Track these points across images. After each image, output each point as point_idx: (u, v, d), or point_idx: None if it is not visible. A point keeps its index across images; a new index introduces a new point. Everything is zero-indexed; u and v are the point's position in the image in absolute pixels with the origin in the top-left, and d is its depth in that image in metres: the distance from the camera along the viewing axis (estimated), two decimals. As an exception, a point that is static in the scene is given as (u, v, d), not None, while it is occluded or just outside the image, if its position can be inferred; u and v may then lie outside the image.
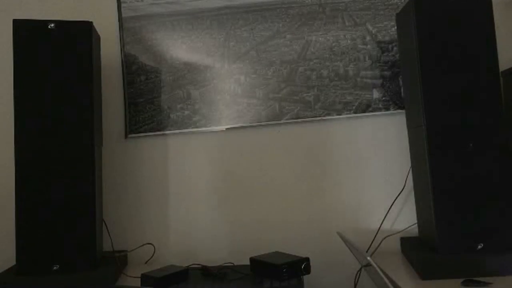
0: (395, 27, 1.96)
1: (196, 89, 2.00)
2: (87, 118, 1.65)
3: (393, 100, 1.95)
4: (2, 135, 1.99)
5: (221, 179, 1.99)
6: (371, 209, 1.94)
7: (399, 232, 1.91)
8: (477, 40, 1.57)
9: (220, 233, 1.97)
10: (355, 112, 1.96)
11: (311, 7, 2.00)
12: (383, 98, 1.96)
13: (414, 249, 1.66)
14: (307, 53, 1.99)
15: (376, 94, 1.96)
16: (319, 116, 1.97)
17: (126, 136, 2.00)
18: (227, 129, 1.99)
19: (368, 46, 1.98)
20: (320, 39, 1.99)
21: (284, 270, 1.54)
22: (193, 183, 1.99)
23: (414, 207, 1.81)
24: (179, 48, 2.01)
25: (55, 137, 1.62)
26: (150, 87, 2.00)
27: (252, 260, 1.66)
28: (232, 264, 1.83)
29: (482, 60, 1.56)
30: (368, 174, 1.95)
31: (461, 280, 1.43)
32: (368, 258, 1.15)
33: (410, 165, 1.82)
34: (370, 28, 1.98)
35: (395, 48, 1.96)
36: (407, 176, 1.89)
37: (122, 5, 2.02)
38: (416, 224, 1.82)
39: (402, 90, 1.94)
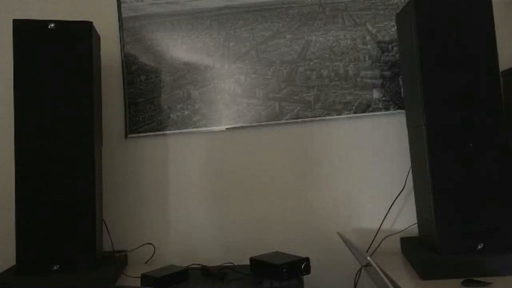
0: (395, 27, 1.96)
1: (196, 89, 2.00)
2: (87, 118, 1.65)
3: (393, 100, 1.95)
4: (2, 135, 1.99)
5: (221, 179, 1.99)
6: (371, 209, 1.94)
7: (399, 232, 1.91)
8: (477, 40, 1.57)
9: (220, 233, 1.97)
10: (355, 112, 1.96)
11: (311, 7, 2.00)
12: (383, 98, 1.96)
13: (414, 249, 1.66)
14: (307, 53, 1.99)
15: (376, 94, 1.96)
16: (319, 116, 1.97)
17: (126, 136, 2.00)
18: (227, 129, 1.99)
19: (368, 46, 1.98)
20: (320, 39, 1.99)
21: (284, 270, 1.54)
22: (193, 183, 1.99)
23: (414, 207, 1.81)
24: (179, 48, 2.01)
25: (55, 137, 1.62)
26: (150, 87, 2.00)
27: (252, 260, 1.66)
28: (232, 264, 1.83)
29: (482, 60, 1.56)
30: (368, 174, 1.95)
31: (461, 280, 1.43)
32: (368, 258, 1.15)
33: (410, 165, 1.82)
34: (370, 28, 1.98)
35: (395, 48, 1.96)
36: (407, 176, 1.89)
37: (122, 5, 2.02)
38: (416, 224, 1.82)
39: (402, 90, 1.94)
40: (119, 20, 2.02)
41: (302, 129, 1.98)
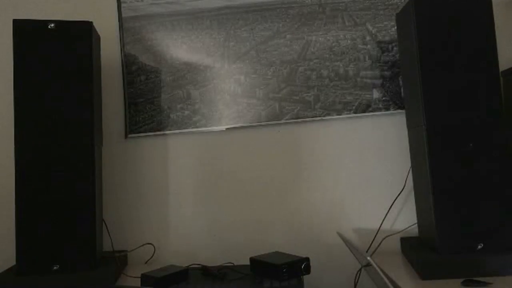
0: (395, 27, 1.96)
1: (196, 89, 2.00)
2: (87, 118, 1.65)
3: (393, 100, 1.95)
4: (2, 135, 1.99)
5: (221, 179, 1.99)
6: (371, 209, 1.94)
7: (399, 232, 1.91)
8: (477, 40, 1.57)
9: (220, 233, 1.97)
10: (355, 112, 1.96)
11: (311, 7, 2.00)
12: (383, 98, 1.96)
13: (414, 249, 1.66)
14: (307, 53, 1.99)
15: (376, 94, 1.96)
16: (319, 116, 1.97)
17: (126, 136, 2.00)
18: (227, 129, 1.99)
19: (368, 46, 1.98)
20: (320, 39, 1.99)
21: (284, 270, 1.54)
22: (193, 183, 1.99)
23: (414, 207, 1.81)
24: (179, 48, 2.01)
25: (55, 137, 1.62)
26: (150, 87, 2.00)
27: (252, 260, 1.66)
28: (232, 264, 1.83)
29: (482, 60, 1.56)
30: (368, 174, 1.95)
31: (461, 280, 1.43)
32: (368, 258, 1.15)
33: (410, 165, 1.82)
34: (370, 28, 1.98)
35: (395, 48, 1.96)
36: (407, 176, 1.89)
37: (122, 5, 2.02)
38: (416, 224, 1.82)
39: (402, 90, 1.94)
40: (119, 20, 2.02)
41: (302, 129, 1.98)
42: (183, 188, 1.99)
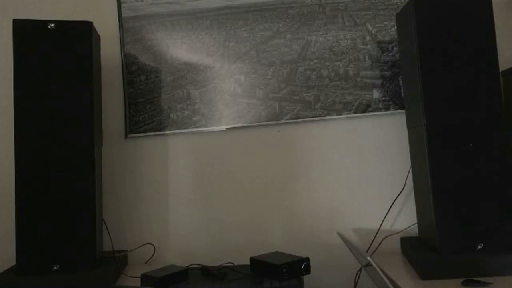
0: (395, 27, 1.96)
1: (196, 89, 2.00)
2: (87, 118, 1.65)
3: (393, 100, 1.95)
4: (2, 135, 1.99)
5: (221, 179, 1.99)
6: (371, 209, 1.94)
7: (399, 232, 1.91)
8: (477, 40, 1.57)
9: (220, 233, 1.97)
10: (355, 112, 1.96)
11: (311, 7, 2.00)
12: (383, 98, 1.96)
13: (414, 249, 1.66)
14: (307, 53, 1.99)
15: (376, 94, 1.96)
16: (319, 116, 1.97)
17: (126, 136, 2.00)
18: (227, 129, 1.99)
19: (368, 46, 1.98)
20: (320, 39, 1.99)
21: (284, 270, 1.54)
22: (193, 183, 1.99)
23: (414, 207, 1.81)
24: (179, 48, 2.01)
25: (55, 137, 1.62)
26: (150, 87, 2.00)
27: (252, 260, 1.66)
28: (232, 264, 1.83)
29: (482, 60, 1.56)
30: (368, 174, 1.95)
31: (461, 280, 1.43)
32: (368, 258, 1.15)
33: (410, 165, 1.82)
34: (370, 28, 1.98)
35: (395, 48, 1.96)
36: (407, 176, 1.89)
37: (122, 5, 2.02)
38: (416, 224, 1.82)
39: (402, 90, 1.94)
40: (119, 20, 2.02)
41: (302, 129, 1.98)
42: (183, 188, 1.99)
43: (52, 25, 1.65)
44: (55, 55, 1.64)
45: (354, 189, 1.95)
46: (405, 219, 1.92)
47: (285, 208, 1.97)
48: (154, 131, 1.99)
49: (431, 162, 1.55)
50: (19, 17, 1.99)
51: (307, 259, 1.59)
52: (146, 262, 1.94)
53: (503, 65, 1.81)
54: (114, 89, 2.01)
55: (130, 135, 1.99)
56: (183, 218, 1.98)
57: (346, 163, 1.96)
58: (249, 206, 1.98)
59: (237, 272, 1.69)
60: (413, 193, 1.84)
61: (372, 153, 1.96)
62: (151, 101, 2.00)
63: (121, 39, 2.01)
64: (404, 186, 1.90)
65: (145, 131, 1.99)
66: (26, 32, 1.63)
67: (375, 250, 1.87)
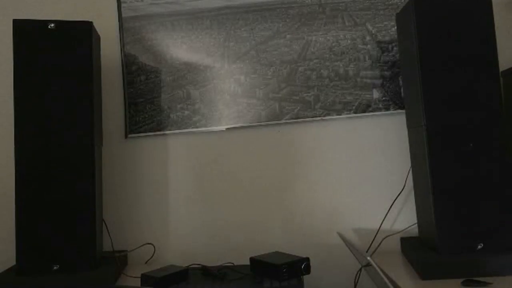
0: (395, 27, 1.96)
1: (196, 89, 2.00)
2: (87, 118, 1.65)
3: (393, 100, 1.95)
4: (2, 135, 1.99)
5: (221, 179, 1.99)
6: (371, 209, 1.94)
7: (399, 232, 1.91)
8: (477, 40, 1.57)
9: (220, 233, 1.97)
10: (355, 112, 1.96)
11: (311, 7, 2.00)
12: (383, 98, 1.96)
13: (414, 249, 1.66)
14: (307, 53, 1.99)
15: (376, 94, 1.96)
16: (319, 116, 1.97)
17: (126, 136, 2.00)
18: (227, 129, 1.99)
19: (368, 46, 1.98)
20: (320, 39, 1.99)
21: (284, 270, 1.54)
22: (193, 183, 1.99)
23: (414, 207, 1.81)
24: (179, 48, 2.01)
25: (55, 137, 1.62)
26: (150, 87, 2.00)
27: (252, 260, 1.66)
28: (232, 264, 1.83)
29: (482, 60, 1.56)
30: (368, 174, 1.95)
31: (461, 280, 1.43)
32: (368, 258, 1.15)
33: (410, 165, 1.82)
34: (370, 28, 1.98)
35: (395, 48, 1.96)
36: (407, 176, 1.89)
37: (122, 5, 2.02)
38: (416, 224, 1.82)
39: (402, 90, 1.94)
40: (119, 20, 2.02)
41: (302, 129, 1.98)
42: (183, 188, 1.99)
43: (52, 25, 1.65)
44: (55, 55, 1.64)
45: (354, 189, 1.95)
46: (405, 219, 1.92)
47: (285, 208, 1.97)
48: (154, 131, 1.99)
49: (431, 162, 1.55)
50: (19, 17, 1.99)
51: (307, 259, 1.59)
52: (146, 262, 1.94)
53: (503, 65, 1.81)
54: (114, 89, 2.01)
55: (130, 135, 1.99)
56: (183, 218, 1.98)
57: (346, 163, 1.96)
58: (249, 206, 1.98)
59: (237, 272, 1.69)
60: (413, 193, 1.84)
61: (372, 153, 1.96)
62: (151, 101, 2.00)
63: (121, 39, 2.01)
64: (404, 186, 1.90)
65: (145, 131, 1.99)
66: (26, 32, 1.63)
67: (375, 250, 1.87)
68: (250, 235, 1.97)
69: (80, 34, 1.66)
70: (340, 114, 1.96)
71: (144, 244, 1.96)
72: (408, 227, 1.90)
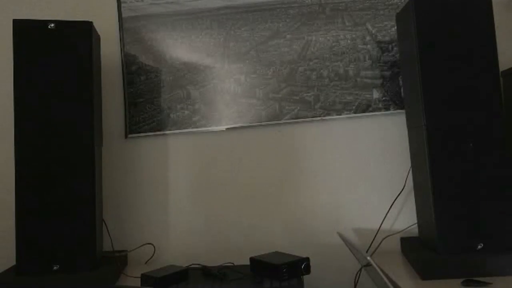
0: (395, 27, 1.96)
1: (196, 89, 2.00)
2: (87, 118, 1.65)
3: (393, 100, 1.95)
4: (2, 135, 1.99)
5: (221, 179, 1.99)
6: (371, 209, 1.94)
7: (399, 232, 1.91)
8: (477, 40, 1.57)
9: (220, 233, 1.97)
10: (355, 112, 1.96)
11: (311, 7, 2.00)
12: (383, 98, 1.96)
13: (414, 249, 1.66)
14: (307, 53, 1.99)
15: (376, 94, 1.96)
16: (319, 116, 1.97)
17: (126, 136, 2.00)
18: (227, 129, 1.99)
19: (368, 46, 1.98)
20: (320, 39, 1.99)
21: (284, 270, 1.54)
22: (193, 183, 1.99)
23: (414, 207, 1.81)
24: (179, 48, 2.01)
25: (55, 137, 1.62)
26: (150, 87, 2.00)
27: (252, 260, 1.66)
28: (232, 264, 1.83)
29: (482, 60, 1.56)
30: (368, 174, 1.95)
31: (461, 280, 1.43)
32: (368, 258, 1.15)
33: (410, 165, 1.82)
34: (370, 28, 1.98)
35: (395, 48, 1.96)
36: (407, 176, 1.89)
37: (122, 5, 2.02)
38: (416, 224, 1.82)
39: (402, 90, 1.94)
40: (119, 20, 2.02)
41: (302, 129, 1.98)
42: (183, 188, 1.99)
43: (52, 25, 1.65)
44: (55, 55, 1.64)
45: (354, 189, 1.95)
46: (405, 219, 1.92)
47: (285, 208, 1.97)
48: (154, 131, 1.99)
49: (431, 162, 1.55)
50: (19, 17, 1.99)
51: (307, 259, 1.59)
52: (146, 262, 1.94)
53: (503, 65, 1.81)
54: (114, 89, 2.01)
55: (130, 135, 1.99)
56: (183, 218, 1.98)
57: (346, 163, 1.96)
58: (249, 206, 1.98)
59: (237, 272, 1.69)
60: (413, 193, 1.84)
61: (372, 153, 1.96)
62: (151, 101, 2.00)
63: (121, 39, 2.01)
64: (404, 186, 1.90)
65: (145, 131, 1.99)
66: (26, 32, 1.63)
67: (375, 250, 1.87)
68: (250, 235, 1.97)
69: (80, 34, 1.66)
70: (340, 114, 1.96)
71: (144, 244, 1.96)
72: (408, 227, 1.90)
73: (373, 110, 1.96)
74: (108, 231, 1.90)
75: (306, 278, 1.88)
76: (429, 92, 1.57)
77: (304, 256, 1.62)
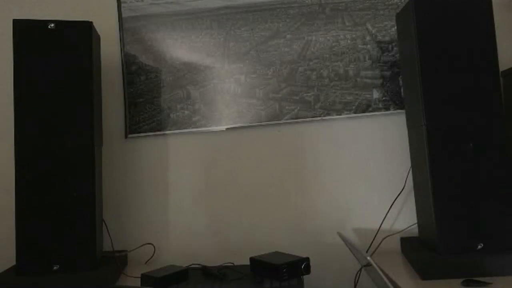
0: (395, 27, 1.96)
1: (196, 89, 2.00)
2: (87, 118, 1.65)
3: (393, 100, 1.95)
4: (2, 135, 1.99)
5: (221, 179, 1.99)
6: (371, 209, 1.94)
7: (399, 232, 1.91)
8: (477, 40, 1.57)
9: (220, 233, 1.97)
10: (355, 112, 1.96)
11: (311, 7, 2.00)
12: (383, 98, 1.96)
13: (414, 249, 1.66)
14: (307, 53, 1.99)
15: (376, 94, 1.96)
16: (319, 116, 1.97)
17: (126, 136, 2.00)
18: (227, 129, 1.99)
19: (368, 46, 1.98)
20: (320, 39, 1.99)
21: (284, 270, 1.54)
22: (193, 183, 1.99)
23: (414, 207, 1.81)
24: (179, 48, 2.01)
25: (55, 137, 1.62)
26: (150, 87, 2.00)
27: (252, 260, 1.66)
28: (232, 264, 1.83)
29: (482, 60, 1.56)
30: (368, 174, 1.95)
31: (461, 280, 1.43)
32: (368, 258, 1.15)
33: (410, 165, 1.82)
34: (370, 28, 1.98)
35: (395, 48, 1.96)
36: (407, 176, 1.89)
37: (122, 5, 2.02)
38: (416, 224, 1.82)
39: (402, 90, 1.94)
40: (119, 20, 2.02)
41: (302, 129, 1.98)
42: (183, 188, 1.99)
43: (52, 25, 1.65)
44: (55, 55, 1.64)
45: (354, 189, 1.95)
46: (405, 219, 1.92)
47: (285, 208, 1.97)
48: (154, 131, 1.99)
49: (431, 162, 1.55)
50: (19, 17, 1.99)
51: (307, 259, 1.59)
52: (146, 262, 1.94)
53: (503, 65, 1.81)
54: (114, 89, 2.01)
55: (130, 135, 1.99)
56: (183, 218, 1.98)
57: (346, 163, 1.96)
58: (249, 206, 1.98)
59: (237, 272, 1.69)
60: (413, 193, 1.84)
61: (372, 153, 1.96)
62: (151, 101, 2.00)
63: (121, 39, 2.01)
64: (404, 186, 1.90)
65: (145, 131, 1.99)
66: (26, 32, 1.63)
67: (375, 250, 1.87)
68: (250, 235, 1.97)
69: (80, 34, 1.66)
70: (340, 114, 1.96)
71: (144, 244, 1.96)
72: (408, 227, 1.90)
73: (373, 110, 1.96)
74: (108, 231, 1.90)
75: (306, 278, 1.88)
76: (429, 92, 1.57)
77: (304, 256, 1.62)
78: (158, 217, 1.98)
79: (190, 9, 2.02)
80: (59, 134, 1.62)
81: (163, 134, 2.00)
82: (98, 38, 1.83)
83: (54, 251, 1.59)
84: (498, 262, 1.45)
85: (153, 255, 1.96)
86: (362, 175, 1.95)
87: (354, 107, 1.96)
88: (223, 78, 2.00)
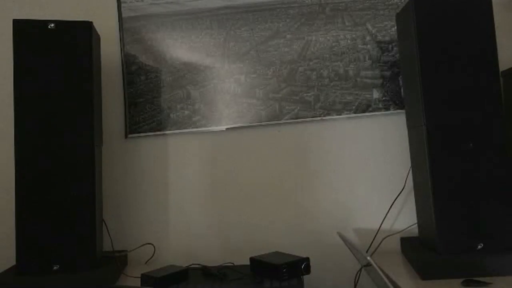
0: (395, 27, 1.96)
1: (196, 89, 2.00)
2: (87, 118, 1.65)
3: (393, 100, 1.95)
4: (2, 135, 1.99)
5: (221, 179, 1.99)
6: (371, 209, 1.94)
7: (399, 232, 1.91)
8: (477, 40, 1.57)
9: (220, 233, 1.97)
10: (355, 112, 1.96)
11: (311, 7, 2.00)
12: (383, 98, 1.96)
13: (414, 249, 1.66)
14: (307, 53, 1.99)
15: (376, 94, 1.96)
16: (319, 116, 1.97)
17: (126, 136, 2.00)
18: (227, 129, 1.99)
19: (368, 46, 1.98)
20: (320, 39, 1.99)
21: (284, 270, 1.54)
22: (193, 183, 1.99)
23: (414, 207, 1.81)
24: (179, 48, 2.01)
25: (55, 137, 1.62)
26: (150, 87, 2.00)
27: (252, 260, 1.66)
28: (232, 264, 1.83)
29: (482, 60, 1.56)
30: (368, 174, 1.95)
31: (461, 280, 1.43)
32: (368, 258, 1.15)
33: (410, 165, 1.82)
34: (370, 28, 1.98)
35: (395, 48, 1.96)
36: (407, 176, 1.89)
37: (122, 5, 2.02)
38: (416, 224, 1.82)
39: (402, 90, 1.94)
40: (119, 20, 2.02)
41: (302, 129, 1.98)
42: (183, 188, 1.99)
43: (52, 25, 1.65)
44: (55, 55, 1.64)
45: (354, 189, 1.95)
46: (405, 219, 1.92)
47: (285, 208, 1.97)
48: (154, 131, 1.99)
49: (431, 162, 1.55)
50: (19, 17, 1.99)
51: (307, 259, 1.59)
52: (146, 262, 1.94)
53: (503, 65, 1.81)
54: (114, 89, 2.01)
55: (130, 135, 1.99)
56: (183, 218, 1.98)
57: (346, 163, 1.96)
58: (249, 206, 1.98)
59: (237, 272, 1.69)
60: (413, 193, 1.84)
61: (372, 153, 1.96)
62: (151, 101, 2.00)
63: (121, 39, 2.01)
64: (404, 186, 1.90)
65: (145, 131, 1.99)
66: (26, 32, 1.63)
67: (375, 250, 1.87)
68: (250, 235, 1.97)
69: (80, 34, 1.66)
70: (340, 114, 1.96)
71: (144, 244, 1.96)
72: (408, 227, 1.90)
73: (373, 110, 1.96)
74: (108, 231, 1.90)
75: (306, 278, 1.88)
76: (429, 92, 1.57)
77: (304, 256, 1.62)
78: (158, 217, 1.98)
79: (190, 9, 2.02)
80: (59, 134, 1.62)
81: (163, 134, 2.00)
82: (98, 38, 1.83)
83: (54, 251, 1.59)
84: (498, 262, 1.45)
85: (153, 255, 1.96)
86: (362, 175, 1.96)
87: (354, 107, 1.96)
88: (223, 78, 2.00)
